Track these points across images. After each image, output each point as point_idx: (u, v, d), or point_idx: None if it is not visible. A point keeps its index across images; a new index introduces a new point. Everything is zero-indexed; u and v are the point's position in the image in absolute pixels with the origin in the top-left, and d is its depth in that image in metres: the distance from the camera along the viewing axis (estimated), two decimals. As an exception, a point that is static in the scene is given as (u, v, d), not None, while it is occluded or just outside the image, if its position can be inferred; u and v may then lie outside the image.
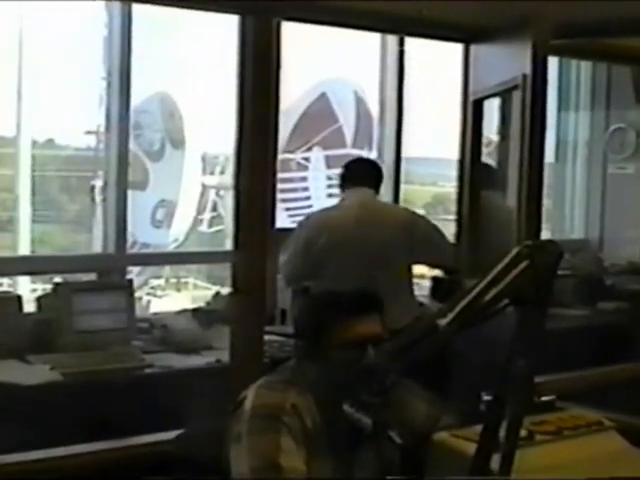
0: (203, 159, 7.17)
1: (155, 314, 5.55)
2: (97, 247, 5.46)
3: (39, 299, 4.79)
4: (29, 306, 4.75)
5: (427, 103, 6.64)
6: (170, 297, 7.08)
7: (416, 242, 4.77)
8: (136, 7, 5.17)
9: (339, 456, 2.59)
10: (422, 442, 2.53)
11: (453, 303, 1.96)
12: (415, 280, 5.02)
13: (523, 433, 2.21)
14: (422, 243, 4.80)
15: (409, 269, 4.90)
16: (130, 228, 5.55)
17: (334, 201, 6.19)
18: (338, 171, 5.11)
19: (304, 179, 6.97)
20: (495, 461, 1.93)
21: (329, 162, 6.89)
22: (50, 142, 6.55)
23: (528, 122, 4.52)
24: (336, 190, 5.25)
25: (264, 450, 2.50)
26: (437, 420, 2.70)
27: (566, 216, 7.56)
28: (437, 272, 5.59)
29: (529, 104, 4.50)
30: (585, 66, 7.35)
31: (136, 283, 5.94)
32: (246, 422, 2.55)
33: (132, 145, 5.69)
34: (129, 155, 5.45)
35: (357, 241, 4.72)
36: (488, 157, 6.14)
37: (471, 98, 5.29)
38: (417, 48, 6.23)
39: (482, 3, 4.44)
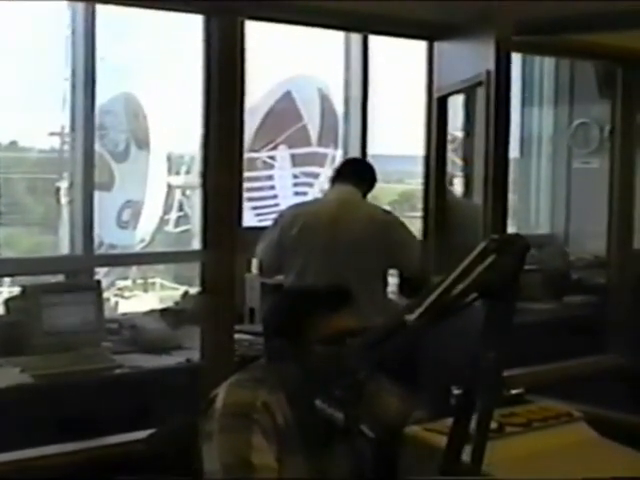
0: (168, 159, 7.15)
1: (124, 314, 5.55)
2: (64, 249, 5.44)
3: (7, 302, 4.77)
4: (-3, 309, 4.74)
5: (392, 100, 6.65)
6: (138, 298, 7.06)
7: (388, 249, 4.77)
8: (100, 7, 5.16)
9: (312, 452, 2.60)
10: (394, 436, 2.54)
11: (421, 298, 1.97)
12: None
13: (493, 425, 2.23)
14: (395, 251, 4.80)
15: (383, 271, 4.91)
16: (96, 229, 5.53)
17: (301, 199, 6.22)
18: (304, 169, 5.13)
19: (270, 178, 6.96)
20: (466, 453, 1.94)
21: (295, 160, 6.88)
22: (13, 144, 6.50)
23: (492, 118, 4.56)
24: (303, 188, 5.27)
25: (236, 448, 2.50)
26: (409, 414, 2.71)
27: (532, 211, 7.60)
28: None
29: (493, 100, 4.53)
30: (549, 62, 7.40)
31: (103, 284, 5.93)
32: (217, 420, 2.55)
33: (97, 146, 5.66)
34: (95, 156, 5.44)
35: (326, 236, 4.73)
36: (453, 153, 6.16)
37: (435, 95, 5.31)
38: (381, 45, 6.26)
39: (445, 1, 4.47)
